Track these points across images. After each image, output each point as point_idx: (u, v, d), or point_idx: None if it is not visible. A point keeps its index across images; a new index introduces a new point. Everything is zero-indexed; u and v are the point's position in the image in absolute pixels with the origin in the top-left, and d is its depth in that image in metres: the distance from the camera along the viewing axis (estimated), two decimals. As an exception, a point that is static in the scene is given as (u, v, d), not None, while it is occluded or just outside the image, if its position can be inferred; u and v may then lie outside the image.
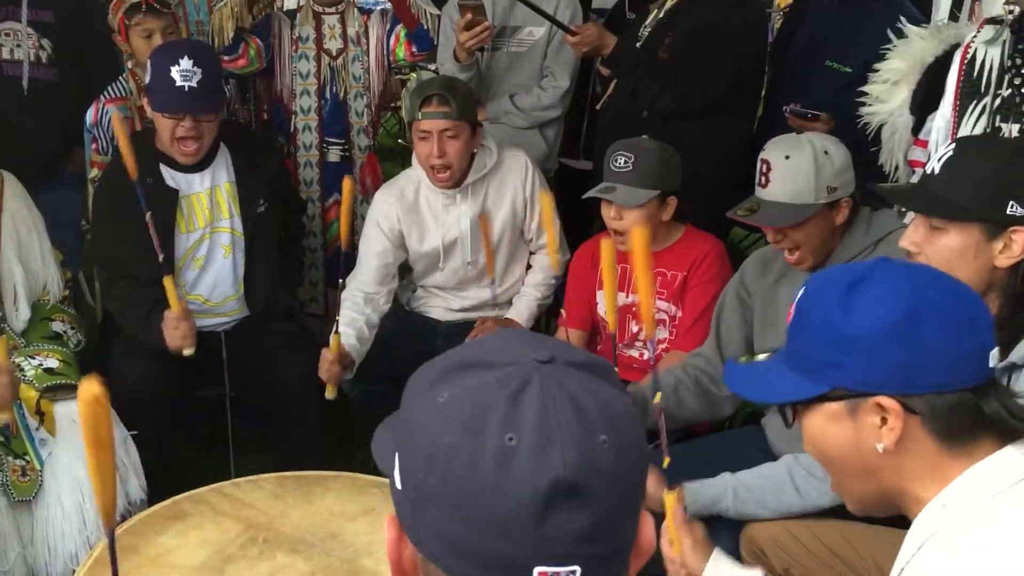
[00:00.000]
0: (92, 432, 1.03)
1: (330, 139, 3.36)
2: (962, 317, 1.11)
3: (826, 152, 2.13)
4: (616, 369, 1.25)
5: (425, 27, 3.28)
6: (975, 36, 2.30)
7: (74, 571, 2.15)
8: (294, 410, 2.79)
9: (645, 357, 2.66)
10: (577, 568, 0.71)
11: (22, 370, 2.34)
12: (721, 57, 2.89)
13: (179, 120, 2.64)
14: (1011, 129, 2.20)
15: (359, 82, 3.33)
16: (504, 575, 0.71)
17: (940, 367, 1.10)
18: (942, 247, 1.58)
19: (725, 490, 2.01)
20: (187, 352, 2.55)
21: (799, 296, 1.20)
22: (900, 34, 2.65)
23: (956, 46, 2.41)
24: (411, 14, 3.25)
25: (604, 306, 2.70)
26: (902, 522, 1.21)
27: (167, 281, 2.45)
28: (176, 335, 2.54)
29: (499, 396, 0.72)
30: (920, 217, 1.63)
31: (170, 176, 2.76)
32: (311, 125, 3.35)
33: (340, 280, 2.75)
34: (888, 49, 2.63)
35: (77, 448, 2.27)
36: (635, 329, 2.68)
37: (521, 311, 2.94)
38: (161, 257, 2.43)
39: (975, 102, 2.26)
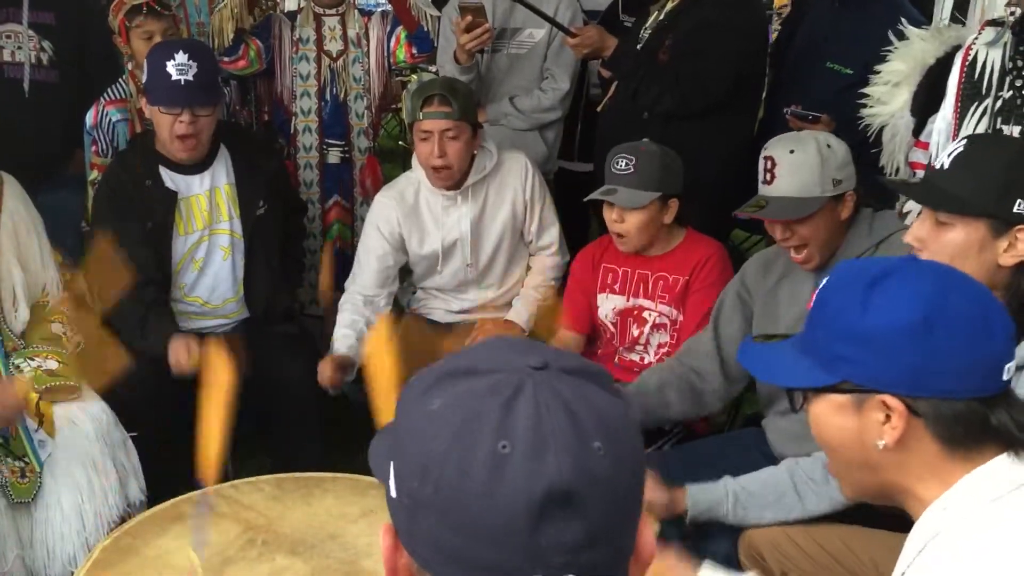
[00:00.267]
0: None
1: (330, 141, 3.36)
2: (979, 326, 1.10)
3: (829, 145, 2.14)
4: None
5: (425, 29, 3.28)
6: (976, 38, 2.30)
7: (72, 573, 2.15)
8: (294, 412, 2.79)
9: (646, 361, 2.66)
10: None
11: (21, 371, 2.33)
12: (722, 57, 2.89)
13: (177, 115, 2.65)
14: (1012, 131, 2.20)
15: (359, 84, 3.33)
16: None
17: (949, 374, 1.09)
18: (946, 242, 1.57)
19: (726, 494, 2.01)
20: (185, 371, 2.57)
21: (822, 285, 1.20)
22: (901, 35, 2.64)
23: (957, 48, 2.40)
24: (411, 16, 3.25)
25: (604, 309, 2.70)
26: (900, 526, 1.21)
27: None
28: (183, 357, 2.59)
29: (492, 403, 0.71)
30: (926, 212, 1.62)
31: (169, 178, 2.76)
32: (311, 127, 3.35)
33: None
34: (889, 51, 2.63)
35: (76, 450, 2.28)
36: (635, 333, 2.67)
37: (520, 312, 2.94)
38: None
39: (976, 104, 2.26)
